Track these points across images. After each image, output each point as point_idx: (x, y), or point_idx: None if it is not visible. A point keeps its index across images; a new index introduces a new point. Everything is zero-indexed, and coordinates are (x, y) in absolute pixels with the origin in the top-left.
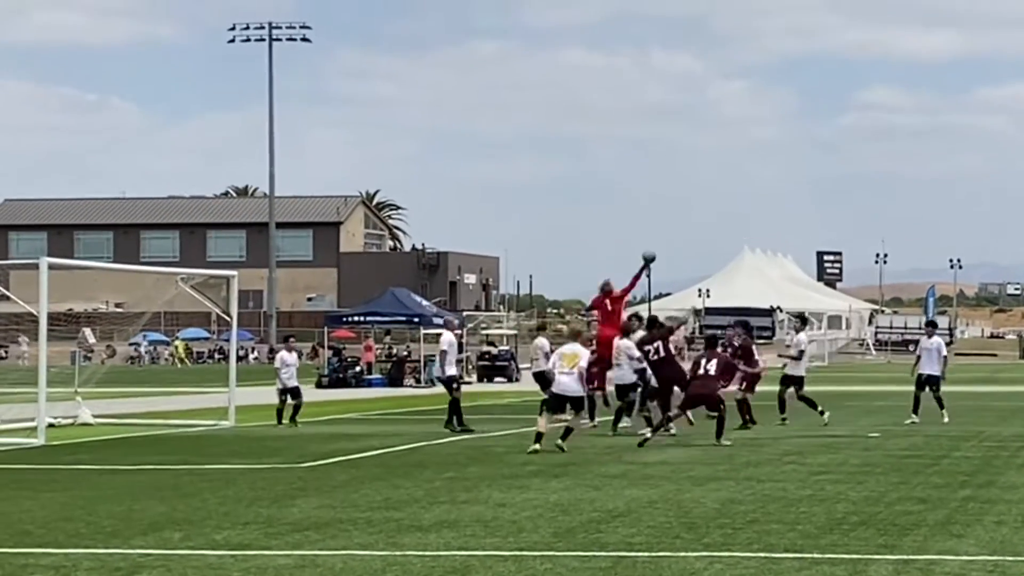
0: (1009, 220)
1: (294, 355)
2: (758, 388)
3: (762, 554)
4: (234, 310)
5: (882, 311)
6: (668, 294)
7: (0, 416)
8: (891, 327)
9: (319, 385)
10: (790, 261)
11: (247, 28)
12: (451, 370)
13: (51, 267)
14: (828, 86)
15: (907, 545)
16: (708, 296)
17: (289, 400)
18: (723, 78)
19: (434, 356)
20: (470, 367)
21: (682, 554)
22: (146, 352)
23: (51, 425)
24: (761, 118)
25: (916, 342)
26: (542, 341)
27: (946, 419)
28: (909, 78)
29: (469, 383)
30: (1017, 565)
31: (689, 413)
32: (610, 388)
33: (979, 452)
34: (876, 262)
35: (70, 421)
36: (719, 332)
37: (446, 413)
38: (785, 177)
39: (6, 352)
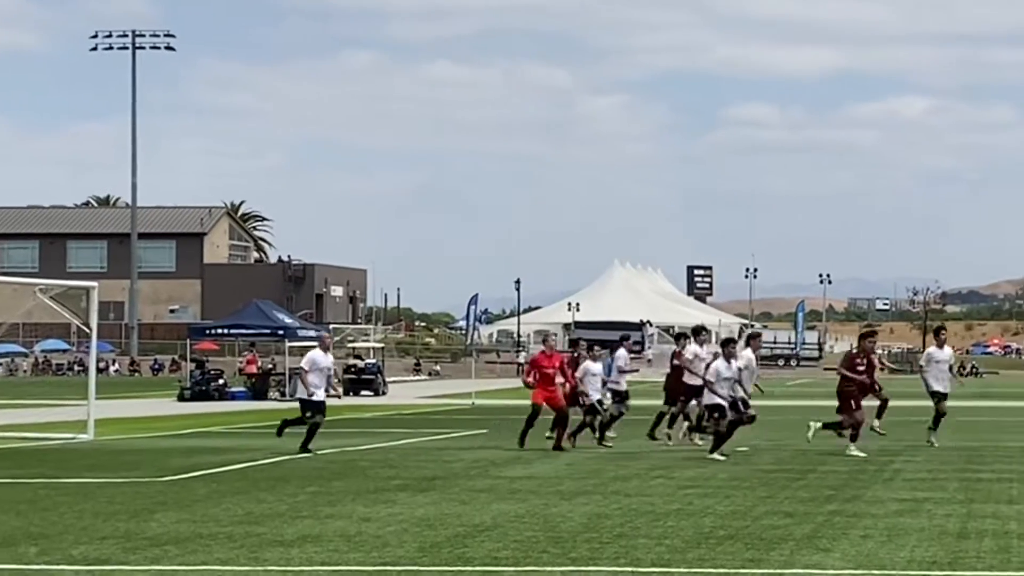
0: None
1: (329, 356)
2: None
3: (629, 568)
4: (94, 322)
5: (752, 325)
6: (538, 307)
7: None
8: (775, 342)
9: (181, 398)
10: (660, 275)
11: (110, 36)
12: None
13: None
14: (699, 102)
15: (774, 559)
16: (578, 310)
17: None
18: (596, 94)
19: (299, 369)
20: (336, 380)
21: (548, 568)
22: (2, 364)
23: None
24: (633, 134)
25: (786, 357)
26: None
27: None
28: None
29: (336, 396)
30: None
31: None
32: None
33: (845, 466)
34: (746, 277)
35: None
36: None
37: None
38: (656, 192)
39: None
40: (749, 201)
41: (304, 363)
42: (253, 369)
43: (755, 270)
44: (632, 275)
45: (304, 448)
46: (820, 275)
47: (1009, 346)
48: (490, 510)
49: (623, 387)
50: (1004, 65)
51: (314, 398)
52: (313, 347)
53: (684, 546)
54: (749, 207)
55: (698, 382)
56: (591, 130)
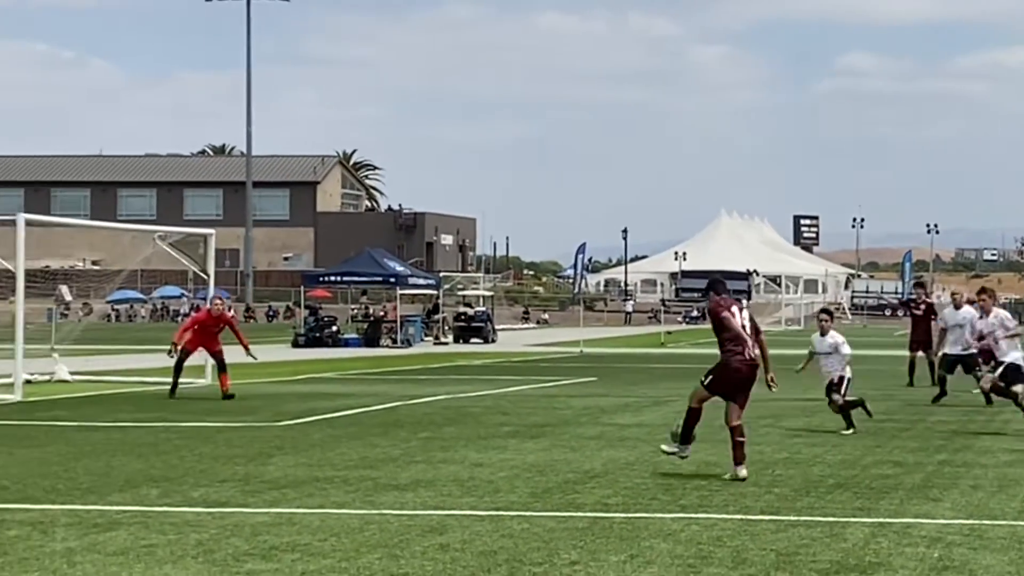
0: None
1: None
2: None
3: (738, 516)
4: (211, 268)
5: (858, 276)
6: (644, 257)
7: None
8: (867, 292)
9: (295, 344)
10: (767, 225)
11: None
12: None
13: (28, 224)
14: (805, 51)
15: (883, 508)
16: (684, 259)
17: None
18: (702, 42)
19: (411, 316)
20: (446, 328)
21: (659, 515)
22: (121, 310)
23: (28, 381)
24: (739, 83)
25: (893, 307)
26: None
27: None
28: (884, 43)
29: (446, 344)
30: (994, 529)
31: None
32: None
33: (955, 416)
34: (853, 227)
35: (47, 378)
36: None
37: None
38: (763, 142)
39: None
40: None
41: None
42: (395, 315)
43: (862, 220)
44: (738, 224)
45: None
46: (927, 225)
47: None
48: (600, 457)
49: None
50: None
51: None
52: (424, 295)
53: (793, 494)
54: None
55: None
56: (697, 79)
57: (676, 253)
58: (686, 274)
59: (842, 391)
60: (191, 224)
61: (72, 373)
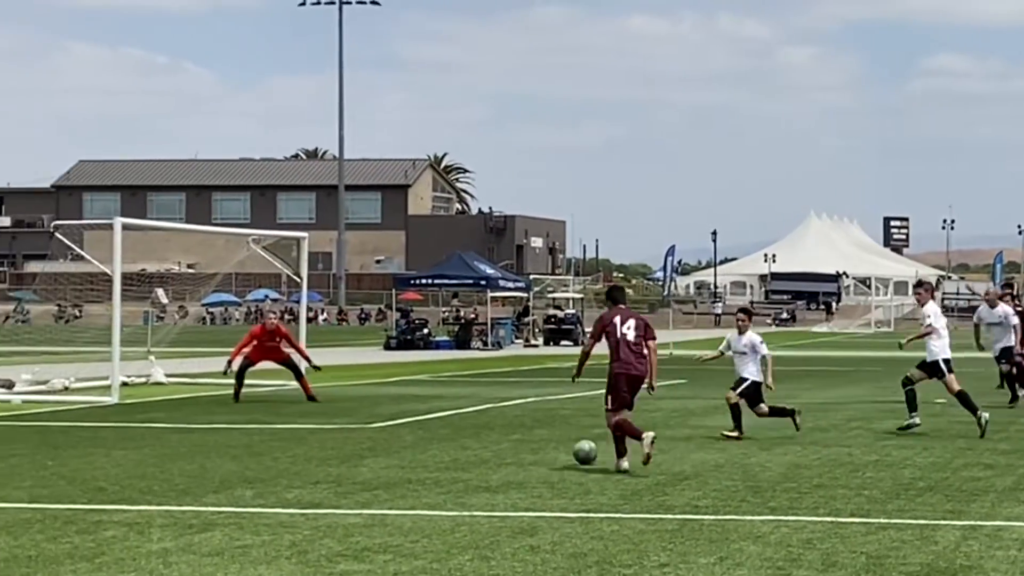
0: None
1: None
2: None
3: (828, 518)
4: (304, 271)
5: (949, 277)
6: (733, 259)
7: (76, 375)
8: (958, 293)
9: (387, 347)
10: (856, 226)
11: None
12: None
13: (124, 227)
14: (894, 52)
15: (975, 511)
16: (774, 261)
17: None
18: (791, 44)
19: (501, 319)
20: (536, 330)
21: (748, 517)
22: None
23: (125, 384)
24: (828, 84)
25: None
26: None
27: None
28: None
29: (536, 346)
30: None
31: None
32: None
33: None
34: (943, 228)
35: (143, 380)
36: None
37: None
38: (852, 142)
39: (80, 312)
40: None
41: None
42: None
43: (952, 221)
44: (828, 226)
45: None
46: (1018, 226)
47: None
48: (690, 459)
49: None
50: None
51: None
52: (515, 297)
53: (883, 497)
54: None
55: None
56: (786, 80)
57: (765, 255)
58: (776, 276)
59: (737, 390)
60: (284, 227)
61: (167, 375)
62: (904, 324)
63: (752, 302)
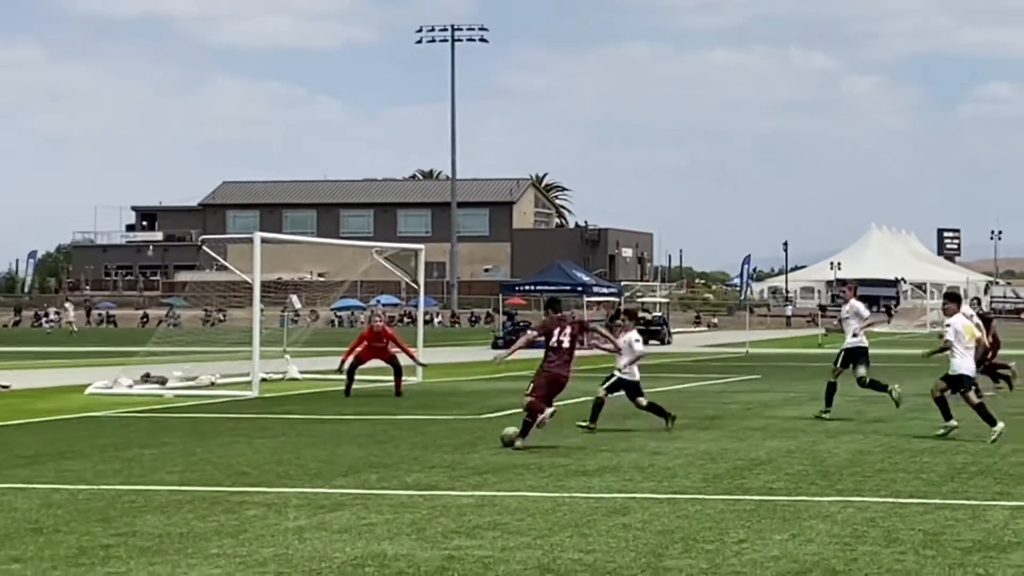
0: None
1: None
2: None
3: (889, 499)
4: (421, 279)
5: (997, 282)
6: (803, 266)
7: (221, 372)
8: (1004, 297)
9: (495, 346)
10: (913, 237)
11: (432, 31)
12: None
13: (263, 241)
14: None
15: (1021, 493)
16: (839, 268)
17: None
18: (855, 74)
19: (596, 321)
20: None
21: (818, 499)
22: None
23: (264, 380)
24: (888, 110)
25: None
26: None
27: None
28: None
29: None
30: None
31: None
32: None
33: None
34: (991, 238)
35: (280, 376)
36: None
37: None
38: (909, 162)
39: (224, 316)
40: (993, 169)
41: None
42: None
43: (999, 232)
44: (888, 237)
45: None
46: None
47: None
48: (764, 446)
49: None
50: None
51: None
52: (608, 302)
53: (939, 480)
54: (993, 175)
55: None
56: (851, 107)
57: (831, 263)
58: (841, 282)
59: (605, 384)
60: (404, 240)
61: (301, 372)
62: None
63: (820, 305)
